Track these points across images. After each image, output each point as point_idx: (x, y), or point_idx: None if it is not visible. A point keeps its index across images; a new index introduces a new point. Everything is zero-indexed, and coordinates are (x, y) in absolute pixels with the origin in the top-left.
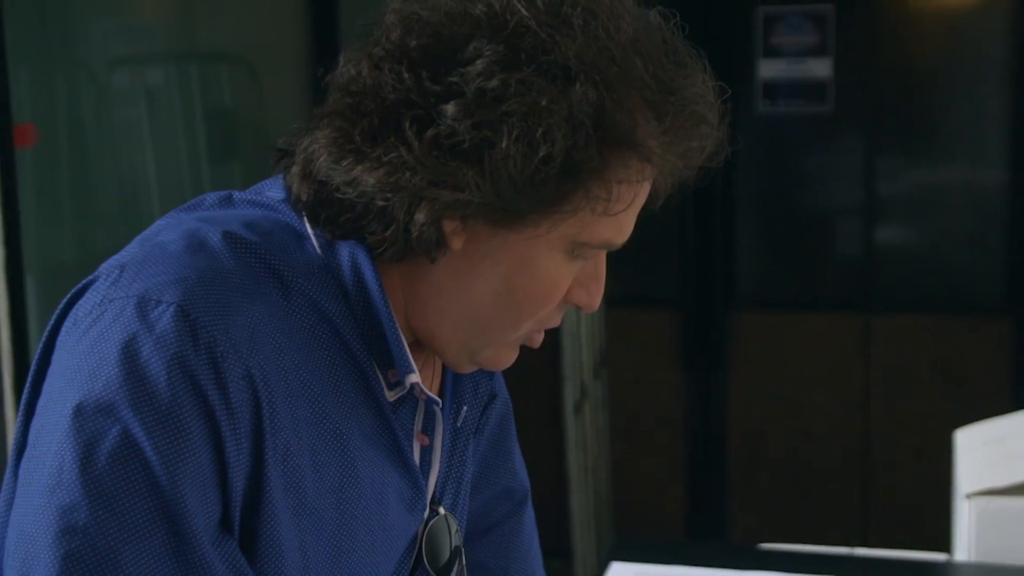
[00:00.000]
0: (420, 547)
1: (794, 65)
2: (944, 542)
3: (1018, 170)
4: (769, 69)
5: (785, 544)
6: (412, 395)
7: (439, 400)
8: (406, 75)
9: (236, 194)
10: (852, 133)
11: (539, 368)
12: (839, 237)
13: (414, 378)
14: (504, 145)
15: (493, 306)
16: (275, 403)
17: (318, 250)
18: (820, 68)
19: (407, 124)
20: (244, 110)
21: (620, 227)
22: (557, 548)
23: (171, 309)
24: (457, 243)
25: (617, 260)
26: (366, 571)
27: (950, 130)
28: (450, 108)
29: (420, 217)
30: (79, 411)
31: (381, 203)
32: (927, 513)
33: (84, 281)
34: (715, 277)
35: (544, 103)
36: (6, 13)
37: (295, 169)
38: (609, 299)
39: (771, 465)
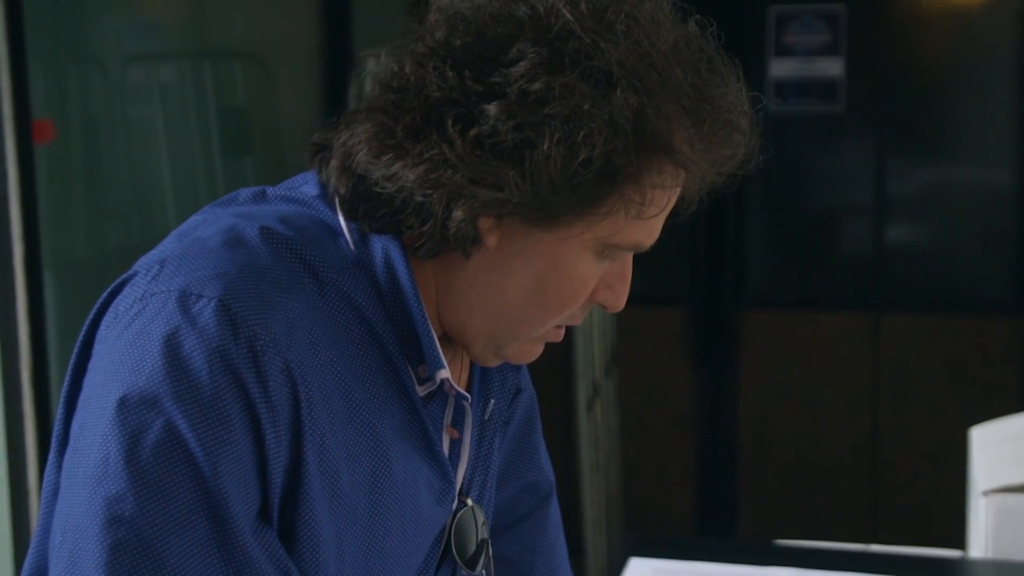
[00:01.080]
0: (449, 538)
1: (806, 64)
2: (952, 540)
3: None
4: (781, 68)
5: (803, 541)
6: (442, 390)
7: (468, 396)
8: (450, 73)
9: (270, 190)
10: (863, 132)
11: (550, 366)
12: (849, 236)
13: (444, 374)
14: (546, 147)
15: (523, 303)
16: (312, 396)
17: (351, 246)
18: (832, 67)
19: (450, 122)
20: (257, 107)
21: (650, 230)
22: (569, 546)
23: (212, 303)
24: (492, 240)
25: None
26: (398, 561)
27: (960, 130)
28: (493, 108)
29: (458, 214)
30: (123, 403)
31: (420, 199)
32: (936, 511)
33: (122, 276)
34: (726, 275)
35: (586, 107)
36: (25, 9)
37: (333, 163)
38: None
39: (781, 463)
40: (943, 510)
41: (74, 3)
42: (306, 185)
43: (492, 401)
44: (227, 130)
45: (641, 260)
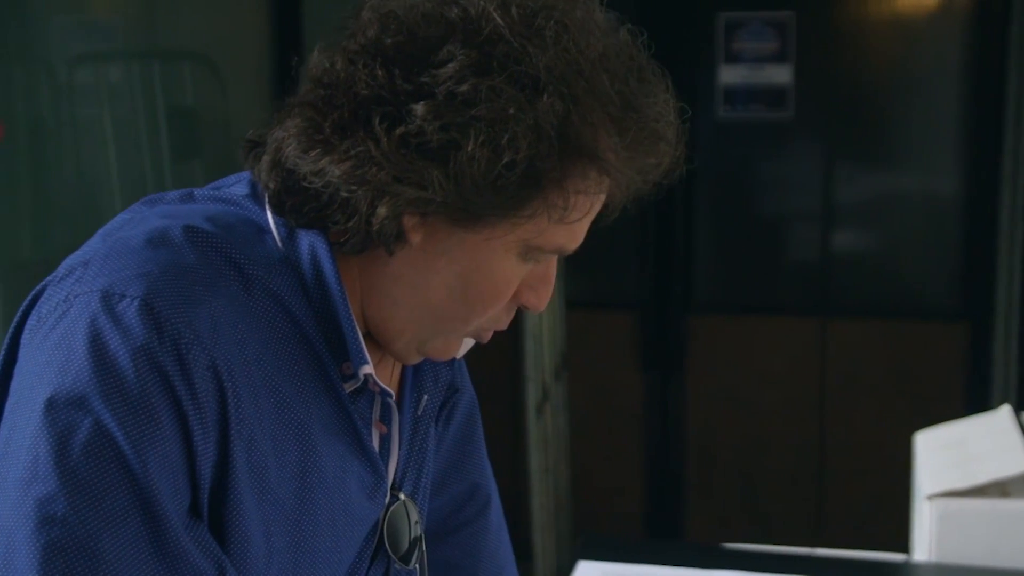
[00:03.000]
0: (381, 532)
1: (755, 71)
2: (896, 543)
3: (972, 177)
4: (730, 75)
5: (750, 544)
6: (367, 386)
7: (391, 392)
8: (379, 72)
9: (197, 191)
10: (811, 139)
11: (500, 369)
12: (797, 242)
13: (367, 369)
14: (470, 148)
15: (445, 301)
16: (239, 393)
17: (279, 243)
18: (781, 75)
19: (377, 120)
20: (206, 108)
21: (574, 234)
22: (517, 550)
23: (136, 303)
24: (416, 238)
25: (578, 262)
26: (328, 556)
27: (907, 137)
28: (420, 108)
29: (382, 211)
30: (51, 405)
31: (345, 195)
32: (880, 515)
33: (44, 281)
34: (674, 280)
35: (512, 111)
36: None
37: (265, 158)
38: (569, 301)
39: (728, 467)
40: (888, 514)
41: (21, 4)
42: (236, 185)
43: (425, 397)
44: (176, 131)
45: (591, 264)
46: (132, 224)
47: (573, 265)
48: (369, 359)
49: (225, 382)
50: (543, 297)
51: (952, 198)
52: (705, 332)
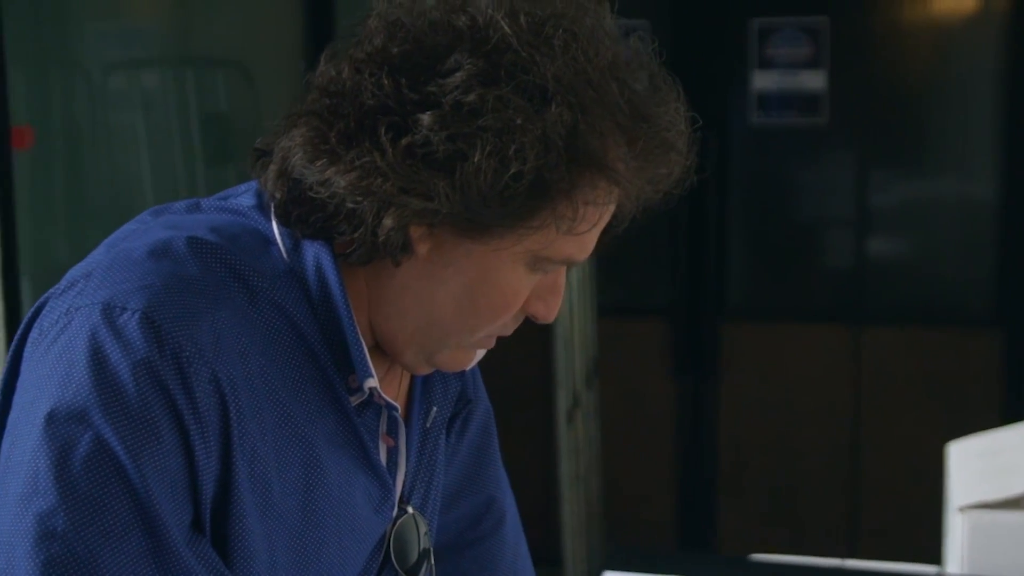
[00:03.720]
0: (388, 546)
1: (788, 77)
2: (932, 555)
3: (1008, 183)
4: (763, 81)
5: (780, 555)
6: (373, 399)
7: (397, 406)
8: (385, 81)
9: (204, 201)
10: (845, 145)
11: (531, 376)
12: (831, 248)
13: (372, 383)
14: (477, 159)
15: (453, 312)
16: (242, 407)
17: (284, 255)
18: (814, 80)
19: (383, 130)
20: (239, 114)
21: (583, 245)
22: (548, 557)
23: (136, 316)
24: (423, 249)
25: (610, 268)
26: (333, 571)
27: (942, 143)
28: (426, 118)
29: (388, 222)
30: (51, 418)
31: (351, 205)
32: (916, 526)
33: (47, 293)
34: (707, 287)
35: (519, 121)
36: (4, 15)
37: (272, 167)
38: (601, 307)
39: (761, 476)
40: (923, 525)
41: (58, 10)
42: (243, 196)
43: (434, 409)
44: (209, 137)
45: (623, 271)
46: (136, 235)
47: (605, 271)
48: (374, 372)
49: (227, 396)
50: (552, 307)
51: (988, 204)
52: (738, 339)
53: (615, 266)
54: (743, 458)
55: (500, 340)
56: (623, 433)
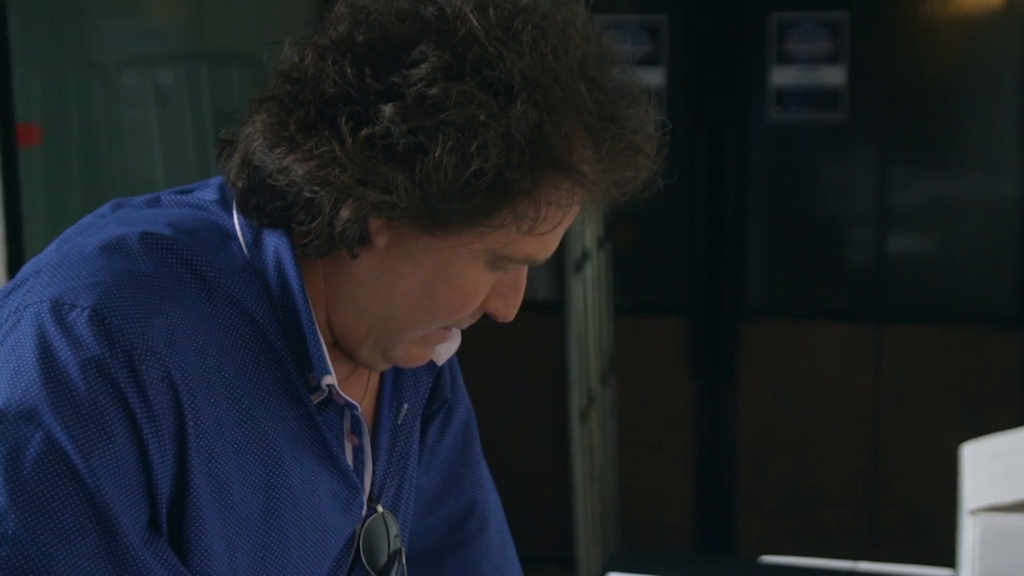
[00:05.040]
0: (358, 546)
1: (807, 72)
2: (952, 558)
3: None
4: (782, 76)
5: (790, 557)
6: (331, 398)
7: (356, 404)
8: (349, 69)
9: (165, 195)
10: (865, 142)
11: (545, 373)
12: (851, 247)
13: (329, 380)
14: (437, 154)
15: (410, 307)
16: (198, 404)
17: (245, 249)
18: (833, 76)
19: (343, 119)
20: None
21: (544, 245)
22: (560, 557)
23: (86, 313)
24: (381, 242)
25: (627, 266)
26: (298, 571)
27: (964, 140)
28: (388, 109)
29: (345, 214)
30: (1, 418)
31: (308, 195)
32: (935, 528)
33: (2, 288)
34: (725, 285)
35: (482, 117)
36: (11, 12)
37: (236, 156)
38: (618, 305)
39: (779, 476)
40: (942, 527)
41: (70, 6)
42: (206, 190)
43: (405, 406)
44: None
45: (640, 269)
46: (90, 231)
47: (622, 269)
48: (332, 369)
49: (182, 393)
50: (511, 306)
51: (1011, 202)
52: (756, 338)
53: (632, 263)
54: (761, 458)
55: (516, 339)
56: (639, 433)
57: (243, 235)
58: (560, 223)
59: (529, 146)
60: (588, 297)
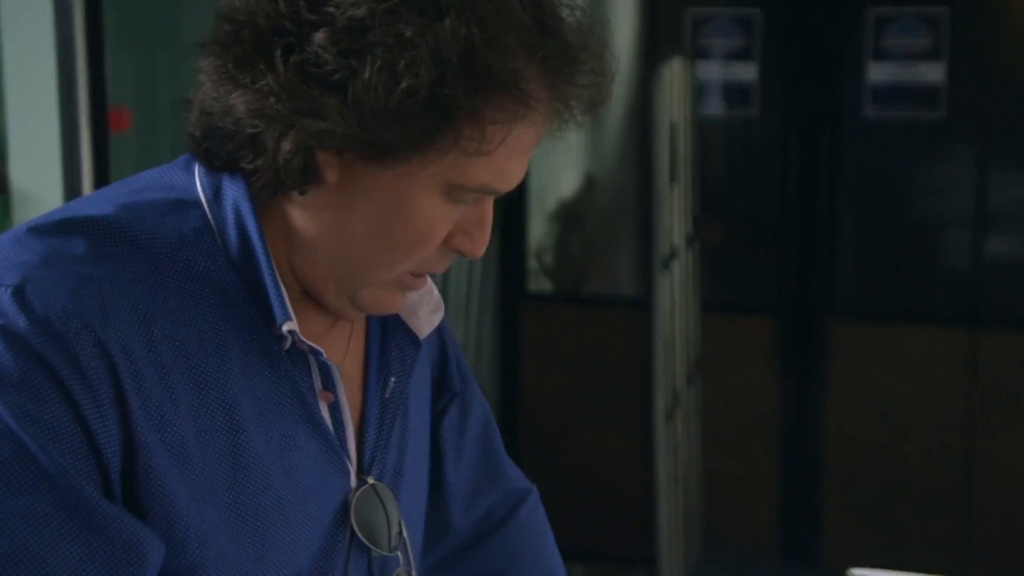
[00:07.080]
0: (351, 520)
1: (905, 69)
2: None
3: None
4: (879, 72)
5: (880, 572)
6: (299, 350)
7: (320, 350)
8: (281, 3)
9: (140, 175)
10: (964, 141)
11: (630, 372)
12: (947, 248)
13: (290, 325)
14: (367, 75)
15: (367, 244)
16: (141, 373)
17: (205, 207)
18: (932, 72)
19: (277, 51)
20: None
21: (499, 171)
22: (643, 557)
23: (9, 291)
24: (332, 177)
25: (716, 264)
26: (282, 536)
27: None
28: (318, 35)
29: (286, 146)
30: None
31: (251, 131)
32: None
33: None
34: (815, 285)
35: (409, 34)
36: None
37: (195, 107)
38: (705, 303)
39: (867, 482)
40: None
41: None
42: (177, 161)
43: (392, 379)
44: None
45: (728, 267)
46: (47, 214)
47: (711, 266)
48: (293, 315)
49: (118, 362)
50: (478, 243)
51: None
52: (846, 340)
53: (721, 261)
54: (849, 464)
55: (601, 336)
56: (726, 434)
57: (204, 192)
58: (508, 145)
59: (461, 63)
60: (675, 295)
